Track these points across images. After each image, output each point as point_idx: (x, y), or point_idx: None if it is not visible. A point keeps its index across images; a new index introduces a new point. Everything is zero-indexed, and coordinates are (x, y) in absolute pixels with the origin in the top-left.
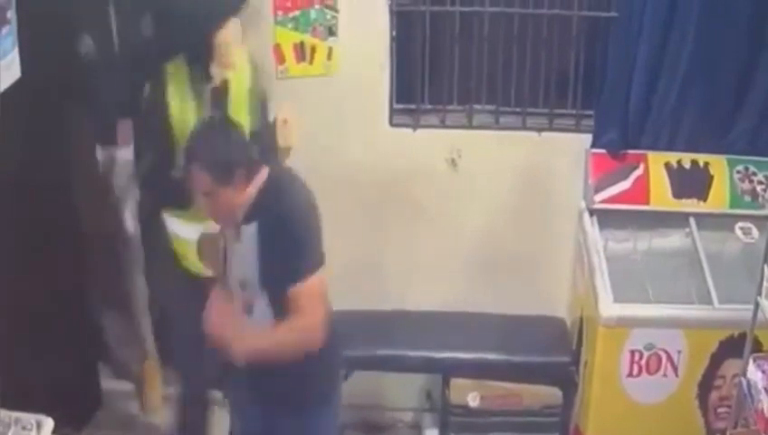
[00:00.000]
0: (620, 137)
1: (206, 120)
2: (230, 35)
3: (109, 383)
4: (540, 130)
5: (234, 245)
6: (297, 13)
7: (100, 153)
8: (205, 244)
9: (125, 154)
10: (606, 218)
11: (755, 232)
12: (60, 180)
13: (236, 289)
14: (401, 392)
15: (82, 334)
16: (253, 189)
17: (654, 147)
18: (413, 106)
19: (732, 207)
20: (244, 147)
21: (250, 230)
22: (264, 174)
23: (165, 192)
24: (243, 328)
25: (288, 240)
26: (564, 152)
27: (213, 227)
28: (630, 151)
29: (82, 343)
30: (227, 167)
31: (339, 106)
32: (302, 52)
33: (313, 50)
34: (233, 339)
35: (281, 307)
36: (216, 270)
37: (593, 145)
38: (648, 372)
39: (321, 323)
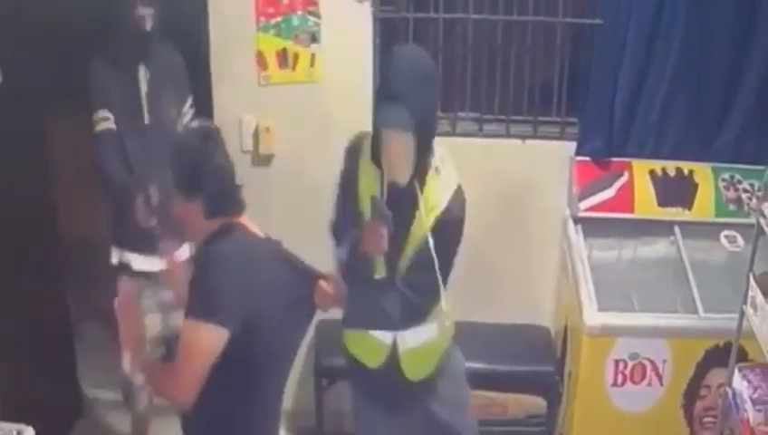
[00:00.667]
0: (605, 145)
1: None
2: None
3: (90, 392)
4: (524, 137)
5: None
6: (279, 19)
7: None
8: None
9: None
10: (590, 227)
11: (740, 240)
12: (39, 188)
13: None
14: None
15: (63, 343)
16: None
17: (639, 155)
18: None
19: (717, 215)
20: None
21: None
22: None
23: None
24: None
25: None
26: (549, 160)
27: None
28: (615, 159)
29: (63, 351)
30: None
31: (322, 113)
32: (284, 58)
33: (296, 57)
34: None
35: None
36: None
37: (578, 153)
38: (633, 382)
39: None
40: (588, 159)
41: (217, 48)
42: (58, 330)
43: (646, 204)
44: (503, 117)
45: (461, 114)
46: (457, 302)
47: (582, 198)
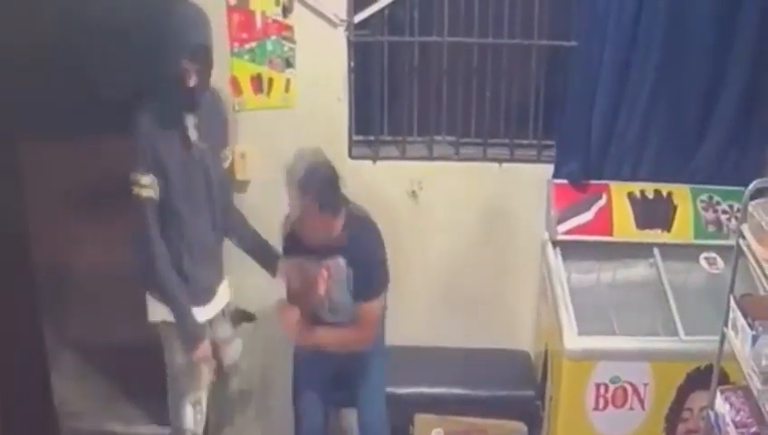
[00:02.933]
0: (582, 167)
1: (306, 154)
2: None
3: (67, 422)
4: (501, 160)
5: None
6: (253, 44)
7: None
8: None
9: None
10: (569, 250)
11: (720, 262)
12: (13, 215)
13: (326, 313)
14: None
15: (39, 373)
16: (340, 223)
17: (617, 177)
18: (372, 138)
19: (696, 237)
20: (339, 181)
21: (337, 264)
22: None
23: None
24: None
25: (371, 270)
26: (526, 183)
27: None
28: (593, 182)
29: (39, 381)
30: (331, 196)
31: (297, 138)
32: (259, 84)
33: (271, 82)
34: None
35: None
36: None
37: (555, 175)
38: (615, 406)
39: (372, 338)
40: (565, 181)
41: None
42: (34, 360)
43: (624, 226)
44: (479, 140)
45: (437, 138)
46: (436, 327)
47: (560, 221)
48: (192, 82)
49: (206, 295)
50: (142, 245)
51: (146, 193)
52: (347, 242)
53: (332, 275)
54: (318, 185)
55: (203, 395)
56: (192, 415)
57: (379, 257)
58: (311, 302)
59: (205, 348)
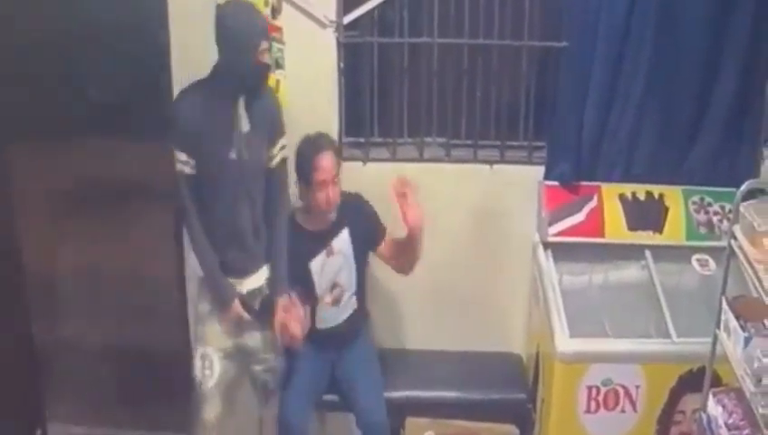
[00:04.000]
0: (573, 169)
1: (307, 134)
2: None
3: (57, 428)
4: (492, 162)
5: (325, 262)
6: None
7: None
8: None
9: None
10: (561, 252)
11: (712, 264)
12: (3, 218)
13: (325, 293)
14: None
15: (29, 377)
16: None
17: (608, 178)
18: (362, 139)
19: (688, 239)
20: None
21: (343, 238)
22: None
23: None
24: None
25: (370, 228)
26: (517, 185)
27: None
28: (584, 183)
29: (29, 386)
30: (340, 155)
31: (287, 140)
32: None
33: None
34: None
35: (362, 299)
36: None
37: (546, 177)
38: (607, 408)
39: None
40: (556, 183)
41: (180, 77)
42: (24, 364)
43: (616, 228)
44: (470, 142)
45: (428, 139)
46: (427, 329)
47: (552, 222)
48: (266, 58)
49: (234, 273)
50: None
51: (179, 168)
52: (343, 213)
53: (340, 254)
54: (334, 142)
55: (211, 353)
56: (200, 366)
57: (373, 212)
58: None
59: (233, 310)
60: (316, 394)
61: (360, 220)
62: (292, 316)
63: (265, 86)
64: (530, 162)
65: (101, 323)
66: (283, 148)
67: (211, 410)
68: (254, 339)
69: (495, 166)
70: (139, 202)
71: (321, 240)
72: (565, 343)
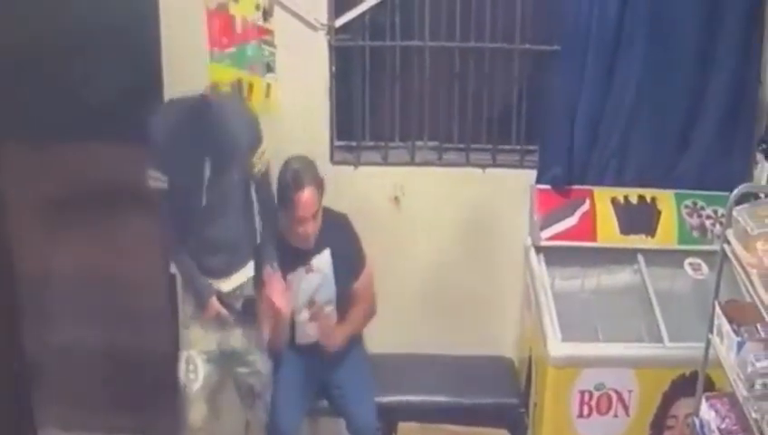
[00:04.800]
0: (565, 172)
1: (293, 158)
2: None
3: (45, 432)
4: (484, 166)
5: (303, 278)
6: (233, 49)
7: None
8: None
9: None
10: (553, 256)
11: (705, 268)
12: None
13: (300, 309)
14: None
15: (18, 382)
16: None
17: (600, 182)
18: (354, 143)
19: (680, 242)
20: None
21: (324, 258)
22: None
23: None
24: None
25: (352, 252)
26: (509, 188)
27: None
28: (576, 187)
29: (18, 391)
30: (322, 188)
31: (278, 144)
32: (239, 89)
33: (251, 87)
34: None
35: (343, 305)
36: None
37: (538, 181)
38: (599, 413)
39: (375, 304)
40: (548, 187)
41: (170, 79)
42: (13, 369)
43: (608, 232)
44: (462, 145)
45: (419, 143)
46: (418, 334)
47: (544, 226)
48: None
49: (215, 274)
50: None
51: (153, 184)
52: (326, 232)
53: (319, 273)
54: (317, 175)
55: (195, 356)
56: (184, 369)
57: (356, 235)
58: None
59: (211, 308)
60: (306, 399)
61: (343, 244)
62: (274, 287)
63: (231, 112)
64: (522, 166)
65: (91, 327)
66: (262, 155)
67: (197, 414)
68: (237, 339)
69: (487, 169)
70: (129, 205)
71: (302, 256)
72: (557, 347)
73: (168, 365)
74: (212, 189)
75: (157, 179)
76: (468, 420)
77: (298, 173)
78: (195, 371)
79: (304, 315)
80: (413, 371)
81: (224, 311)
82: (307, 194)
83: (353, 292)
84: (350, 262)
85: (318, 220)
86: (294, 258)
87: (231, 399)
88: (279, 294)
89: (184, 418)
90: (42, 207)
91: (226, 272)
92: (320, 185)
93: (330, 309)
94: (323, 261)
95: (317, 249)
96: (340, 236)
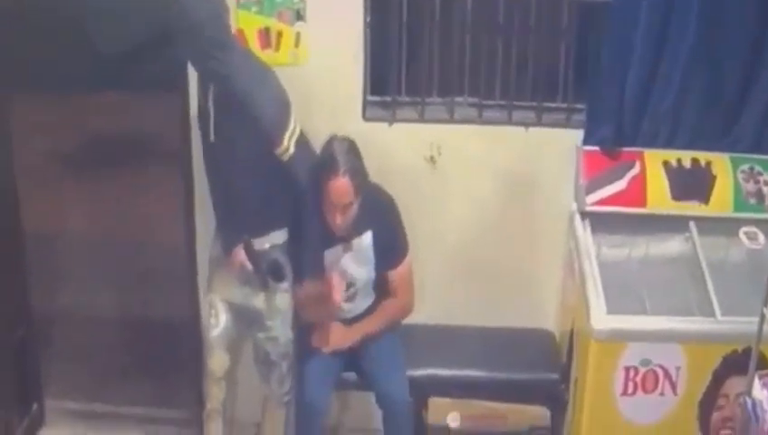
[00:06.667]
0: (615, 133)
1: (336, 140)
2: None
3: (53, 402)
4: (527, 124)
5: (340, 257)
6: None
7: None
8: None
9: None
10: (599, 222)
11: (761, 237)
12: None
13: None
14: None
15: (25, 346)
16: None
17: (651, 144)
18: (388, 98)
19: (736, 210)
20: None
21: (365, 240)
22: None
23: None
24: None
25: (394, 239)
26: (554, 149)
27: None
28: (626, 149)
29: (24, 356)
30: (362, 176)
31: (307, 98)
32: (267, 38)
33: (279, 36)
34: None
35: (378, 294)
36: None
37: (585, 142)
38: (644, 391)
39: (412, 298)
40: (596, 148)
41: None
42: (19, 335)
43: (659, 198)
44: (504, 102)
45: (459, 99)
46: (453, 304)
47: (590, 190)
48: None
49: (242, 229)
50: None
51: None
52: (368, 214)
53: (358, 256)
54: (357, 164)
55: (217, 301)
56: (206, 311)
57: (400, 221)
58: (327, 312)
59: (236, 257)
60: (335, 373)
61: (386, 229)
62: (335, 282)
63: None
64: (568, 125)
65: (104, 290)
66: (290, 140)
67: (217, 361)
68: (260, 301)
69: (531, 128)
70: (148, 159)
71: (342, 235)
72: (602, 319)
73: (187, 331)
74: (219, 130)
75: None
76: (504, 397)
77: (335, 159)
78: (216, 316)
79: (342, 296)
80: (446, 343)
81: (248, 264)
82: (340, 183)
83: (389, 284)
84: (391, 249)
85: (352, 212)
86: (333, 235)
87: (249, 375)
88: (338, 289)
89: (205, 364)
90: (52, 161)
91: (254, 231)
92: (358, 175)
93: (367, 293)
94: (364, 244)
95: (358, 230)
96: (385, 219)
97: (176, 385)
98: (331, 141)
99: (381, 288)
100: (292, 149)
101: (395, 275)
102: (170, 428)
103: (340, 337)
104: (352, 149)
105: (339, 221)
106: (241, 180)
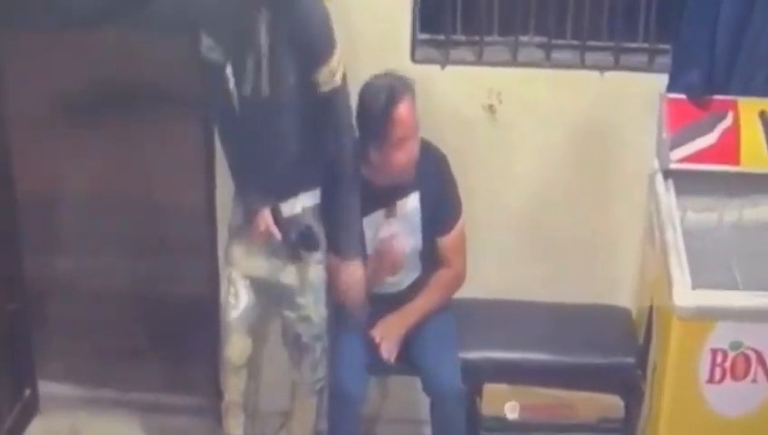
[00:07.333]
0: (704, 78)
1: (375, 76)
2: None
3: (48, 386)
4: (603, 68)
5: (381, 223)
6: None
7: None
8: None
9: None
10: (685, 182)
11: None
12: None
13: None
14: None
15: (17, 324)
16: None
17: (746, 92)
18: (441, 37)
19: None
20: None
21: (411, 202)
22: None
23: None
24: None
25: (445, 199)
26: (633, 97)
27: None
28: (717, 97)
29: (16, 335)
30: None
31: (350, 37)
32: None
33: None
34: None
35: (427, 264)
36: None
37: (669, 89)
38: (734, 377)
39: (465, 266)
40: (682, 96)
41: None
42: (11, 310)
43: (754, 154)
44: (576, 42)
45: (523, 38)
46: (513, 275)
47: (675, 145)
48: None
49: (271, 192)
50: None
51: (206, 53)
52: (418, 171)
53: (403, 220)
54: (411, 84)
55: (237, 278)
56: (224, 290)
57: (452, 180)
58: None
59: (261, 222)
60: (373, 357)
61: (436, 187)
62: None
63: None
64: (650, 69)
65: (108, 260)
66: (339, 64)
67: (234, 347)
68: (288, 275)
69: (607, 73)
70: (161, 109)
71: (383, 197)
72: (686, 295)
73: (205, 307)
74: (272, 76)
75: (210, 49)
76: (571, 384)
77: (391, 85)
78: (235, 294)
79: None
80: (505, 321)
81: (275, 229)
82: (404, 107)
83: (440, 252)
84: (441, 212)
85: (414, 149)
86: (373, 199)
87: (274, 358)
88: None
89: (222, 350)
90: (51, 111)
91: (283, 193)
92: (414, 97)
93: (413, 264)
94: (410, 206)
95: (404, 191)
96: (434, 178)
97: (191, 368)
98: (370, 81)
99: (427, 258)
100: (338, 77)
101: (446, 242)
102: (183, 417)
103: (395, 327)
104: (398, 75)
105: (412, 153)
106: (274, 133)
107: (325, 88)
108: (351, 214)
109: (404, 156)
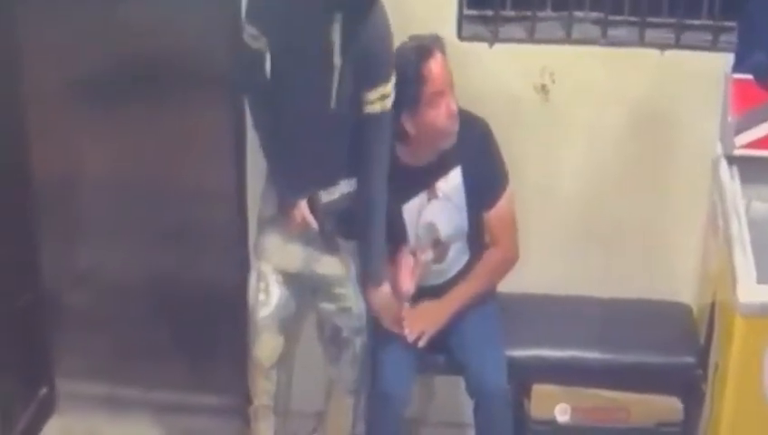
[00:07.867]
0: None
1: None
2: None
3: (65, 384)
4: (663, 47)
5: (425, 207)
6: None
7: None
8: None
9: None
10: (751, 169)
11: None
12: (8, 110)
13: (423, 247)
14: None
15: (34, 318)
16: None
17: None
18: (490, 12)
19: None
20: None
21: (453, 179)
22: None
23: None
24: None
25: (490, 171)
26: (695, 78)
27: None
28: None
29: (33, 329)
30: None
31: (393, 12)
32: None
33: None
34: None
35: (475, 245)
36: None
37: (735, 69)
38: None
39: (516, 245)
40: (749, 77)
41: None
42: (26, 304)
43: None
44: (634, 18)
45: (578, 14)
46: (565, 270)
47: (740, 130)
48: None
49: (309, 183)
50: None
51: (247, 40)
52: (457, 144)
53: (445, 200)
54: (440, 45)
55: (268, 273)
56: (254, 287)
57: (496, 148)
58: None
59: (297, 212)
60: (418, 354)
61: (479, 159)
62: (403, 265)
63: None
64: (714, 48)
65: (130, 249)
66: (384, 96)
67: (265, 347)
68: (326, 265)
69: (668, 51)
70: (187, 88)
71: (423, 179)
72: (751, 290)
73: (234, 301)
74: (340, 91)
75: (253, 38)
76: (626, 385)
77: (419, 44)
78: (266, 290)
79: (428, 255)
80: (556, 317)
81: (311, 219)
82: (435, 62)
83: (487, 228)
84: (486, 183)
85: (454, 106)
86: (412, 183)
87: (307, 355)
88: (408, 274)
89: (250, 350)
90: (70, 91)
91: (322, 182)
92: (444, 52)
93: (460, 249)
94: (452, 184)
95: (443, 168)
96: (476, 148)
97: (217, 366)
98: (404, 42)
99: (475, 241)
100: (389, 102)
101: (493, 216)
102: (209, 418)
103: (432, 317)
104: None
105: (453, 107)
106: (326, 141)
107: (373, 109)
108: (377, 237)
109: (441, 114)
